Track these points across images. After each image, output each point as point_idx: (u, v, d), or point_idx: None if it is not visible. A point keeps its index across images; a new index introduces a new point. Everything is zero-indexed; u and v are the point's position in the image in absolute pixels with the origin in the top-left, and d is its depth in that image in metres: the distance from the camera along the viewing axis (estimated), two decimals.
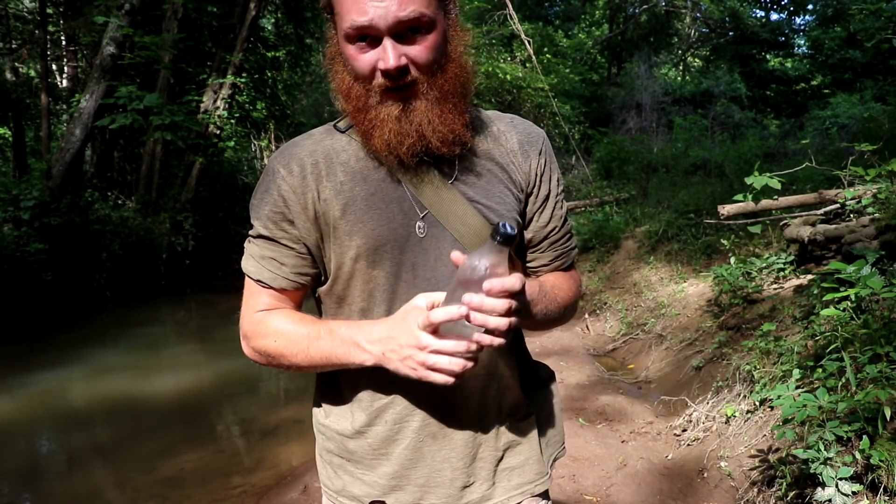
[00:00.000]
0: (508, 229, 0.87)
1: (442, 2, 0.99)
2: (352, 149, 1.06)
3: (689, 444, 3.31)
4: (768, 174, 3.76)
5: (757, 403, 3.17)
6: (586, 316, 6.38)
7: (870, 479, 2.20)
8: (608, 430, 3.61)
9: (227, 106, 11.04)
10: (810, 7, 19.88)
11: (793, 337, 3.43)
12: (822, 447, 2.28)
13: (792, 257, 4.49)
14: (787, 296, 4.15)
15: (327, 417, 1.16)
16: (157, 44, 8.91)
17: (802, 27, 21.29)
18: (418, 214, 1.04)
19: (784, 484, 2.50)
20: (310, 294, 1.16)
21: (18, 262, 7.05)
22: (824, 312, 2.86)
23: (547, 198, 1.15)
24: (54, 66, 13.33)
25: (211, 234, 10.71)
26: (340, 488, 1.15)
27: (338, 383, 1.14)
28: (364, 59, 0.96)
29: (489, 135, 1.12)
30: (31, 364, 5.78)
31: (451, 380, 0.93)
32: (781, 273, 4.53)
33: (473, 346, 0.91)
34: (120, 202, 9.85)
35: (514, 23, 11.03)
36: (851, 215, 4.13)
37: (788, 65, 20.65)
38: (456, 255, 0.93)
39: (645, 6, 20.37)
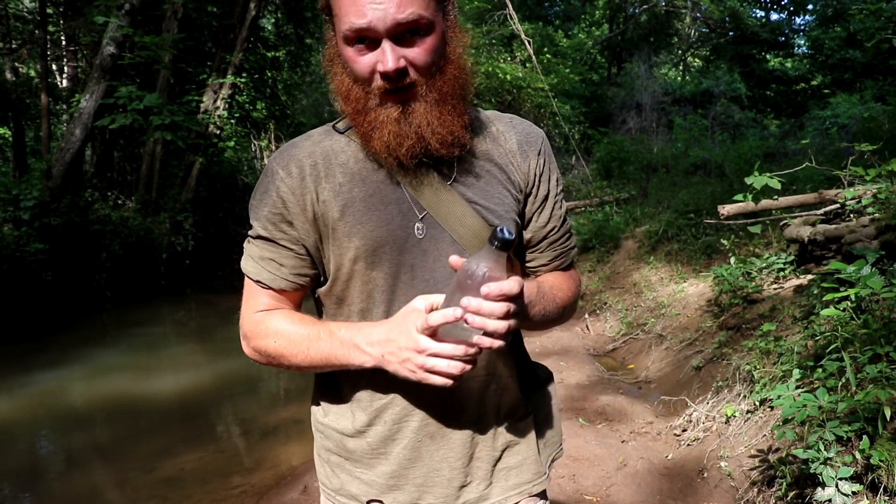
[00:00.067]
0: (506, 234, 0.87)
1: (441, 3, 0.98)
2: (351, 150, 1.06)
3: (689, 444, 3.31)
4: (768, 174, 3.75)
5: (757, 403, 3.17)
6: (586, 316, 6.38)
7: (870, 479, 2.20)
8: (608, 430, 3.61)
9: (227, 106, 11.04)
10: (810, 7, 19.89)
11: (793, 337, 3.43)
12: (822, 447, 2.28)
13: (792, 257, 4.49)
14: (787, 296, 4.15)
15: (326, 416, 1.17)
16: (157, 44, 8.91)
17: (802, 27, 21.30)
18: (417, 216, 1.04)
19: (784, 484, 2.50)
20: (309, 294, 1.16)
21: (18, 262, 7.05)
22: (824, 312, 2.86)
23: (546, 198, 1.15)
24: (54, 66, 13.33)
25: (211, 234, 10.71)
26: (338, 487, 1.16)
27: (337, 383, 1.14)
28: (363, 61, 0.96)
29: (488, 135, 1.12)
30: (31, 364, 5.78)
31: (449, 382, 0.94)
32: (781, 273, 4.53)
33: (471, 350, 0.91)
34: (120, 202, 9.85)
35: (514, 23, 11.03)
36: (851, 215, 4.13)
37: (788, 65, 20.65)
38: (454, 259, 0.94)
39: (645, 6, 20.36)
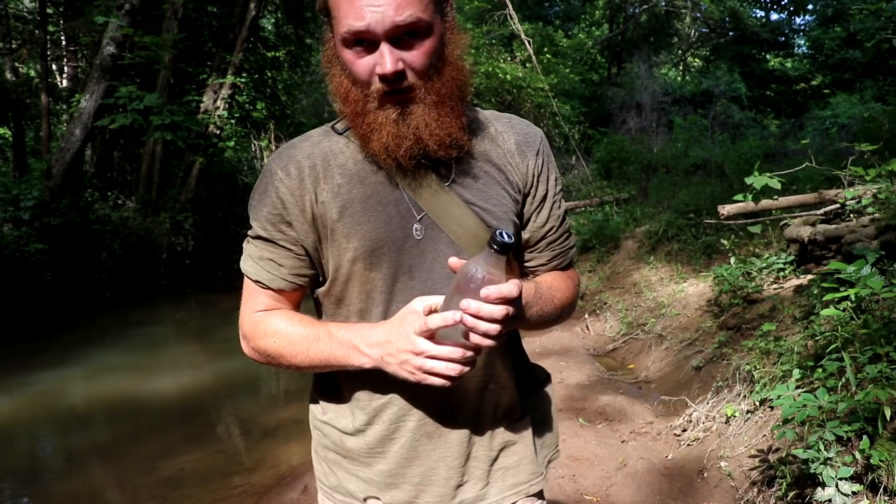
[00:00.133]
0: (505, 237, 0.87)
1: (439, 5, 0.99)
2: (349, 151, 1.07)
3: (689, 444, 3.31)
4: (768, 174, 3.76)
5: (757, 403, 3.17)
6: (586, 316, 6.38)
7: (870, 479, 2.20)
8: (608, 430, 3.61)
9: (227, 106, 11.04)
10: (810, 7, 19.89)
11: (793, 337, 3.43)
12: (822, 447, 2.28)
13: (792, 257, 4.49)
14: (787, 296, 4.15)
15: (325, 414, 1.17)
16: (157, 44, 8.91)
17: (802, 27, 21.30)
18: (415, 217, 1.05)
19: (784, 484, 2.50)
20: (309, 295, 1.17)
21: (18, 262, 7.05)
22: (824, 312, 2.86)
23: (544, 198, 1.15)
24: (54, 66, 13.33)
25: (211, 234, 10.72)
26: (335, 484, 1.16)
27: (336, 382, 1.14)
28: (361, 63, 0.96)
29: (486, 136, 1.12)
30: (31, 364, 5.78)
31: (447, 382, 0.94)
32: (781, 273, 4.52)
33: (469, 353, 0.92)
34: (120, 202, 9.85)
35: (514, 23, 11.03)
36: (851, 215, 4.13)
37: (788, 65, 20.65)
38: (454, 261, 0.94)
39: (645, 6, 20.36)
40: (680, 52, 23.87)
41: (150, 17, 10.18)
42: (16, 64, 12.96)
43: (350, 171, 1.05)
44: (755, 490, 2.70)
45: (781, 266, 4.52)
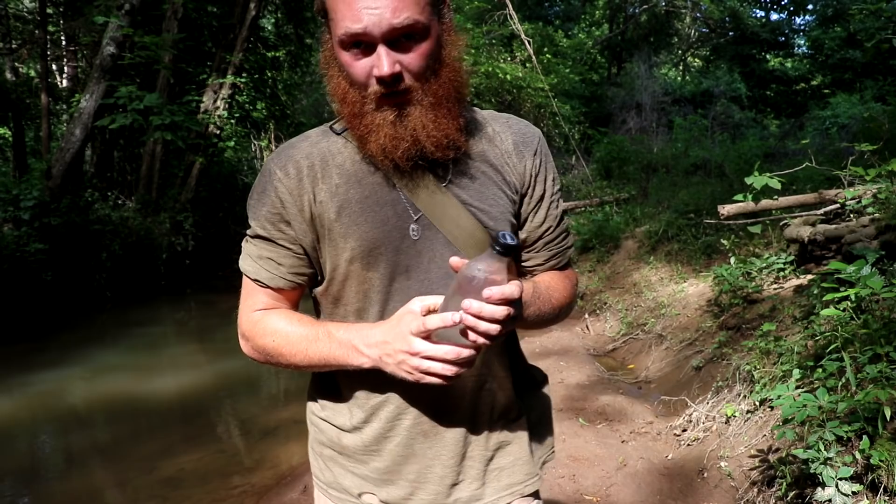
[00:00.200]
0: (508, 239, 0.88)
1: (436, 7, 0.99)
2: (347, 151, 1.07)
3: (689, 444, 3.31)
4: (768, 174, 3.76)
5: (757, 403, 3.17)
6: (586, 316, 6.38)
7: (870, 479, 2.20)
8: (608, 430, 3.61)
9: (227, 106, 11.04)
10: (810, 7, 19.89)
11: (793, 337, 3.43)
12: (822, 447, 2.28)
13: (792, 257, 4.49)
14: (787, 296, 4.15)
15: (323, 411, 1.18)
16: (157, 44, 8.91)
17: (802, 27, 21.30)
18: (412, 217, 1.05)
19: (784, 484, 2.50)
20: (308, 295, 1.18)
21: (18, 262, 7.05)
22: (824, 312, 2.86)
23: (542, 198, 1.15)
24: (54, 66, 13.33)
25: (211, 234, 10.72)
26: (331, 480, 1.17)
27: (335, 380, 1.15)
28: (359, 65, 0.97)
29: (484, 136, 1.12)
30: (31, 364, 5.78)
31: (444, 381, 0.95)
32: (781, 273, 4.52)
33: (465, 353, 0.93)
34: (120, 202, 9.85)
35: (514, 23, 11.03)
36: (851, 215, 4.13)
37: (788, 65, 20.65)
38: (455, 260, 0.95)
39: (645, 6, 20.36)
40: (680, 52, 23.87)
41: (150, 17, 10.18)
42: (16, 64, 12.96)
43: (348, 172, 1.06)
44: (755, 490, 2.70)
45: (781, 266, 4.52)
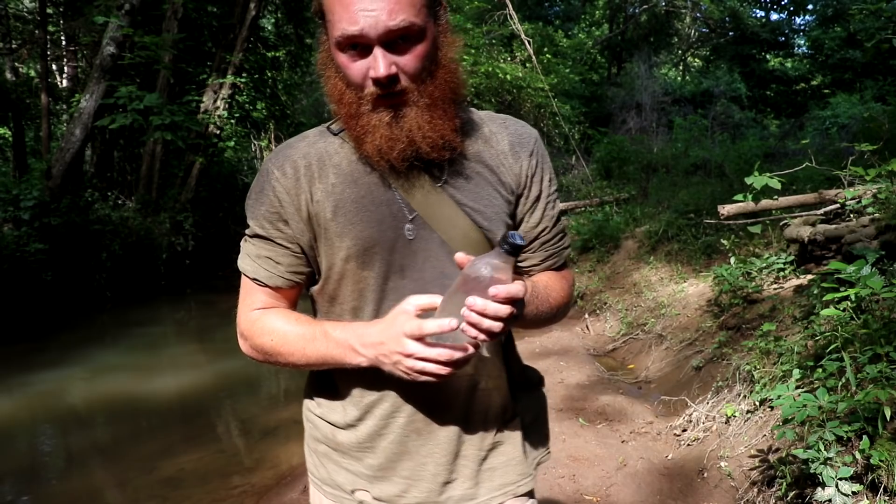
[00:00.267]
0: (518, 239, 0.89)
1: (432, 9, 1.00)
2: (344, 151, 1.08)
3: (689, 444, 3.31)
4: (768, 174, 3.76)
5: (757, 403, 3.17)
6: (586, 316, 6.38)
7: (870, 479, 2.20)
8: (608, 430, 3.61)
9: (227, 106, 11.04)
10: (810, 7, 19.89)
11: (793, 337, 3.43)
12: (822, 447, 2.28)
13: (792, 257, 4.49)
14: (787, 296, 4.15)
15: (319, 408, 1.19)
16: (157, 44, 8.91)
17: (802, 27, 21.30)
18: (407, 217, 1.06)
19: (784, 484, 2.50)
20: (306, 294, 1.19)
21: (18, 262, 7.05)
22: (824, 312, 2.86)
23: (538, 198, 1.16)
24: (54, 66, 13.33)
25: (211, 234, 10.72)
26: (325, 477, 1.19)
27: (331, 378, 1.16)
28: (355, 67, 0.98)
29: (480, 136, 1.13)
30: (31, 364, 5.78)
31: (439, 379, 0.97)
32: (781, 273, 4.52)
33: (457, 355, 0.94)
34: (120, 202, 9.85)
35: (514, 23, 11.03)
36: (851, 215, 4.13)
37: (788, 65, 20.65)
38: (460, 257, 0.95)
39: (645, 6, 20.36)
40: (680, 52, 23.87)
41: (150, 17, 10.18)
42: (16, 64, 12.96)
43: (344, 172, 1.07)
44: (755, 490, 2.70)
45: (781, 266, 4.52)
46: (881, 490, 2.16)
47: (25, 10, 12.43)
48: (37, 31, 10.40)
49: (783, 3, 20.58)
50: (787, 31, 20.97)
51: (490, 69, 12.42)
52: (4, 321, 6.57)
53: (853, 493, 2.18)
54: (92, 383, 5.41)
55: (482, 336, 0.92)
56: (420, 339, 0.94)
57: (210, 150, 11.03)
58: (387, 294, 1.08)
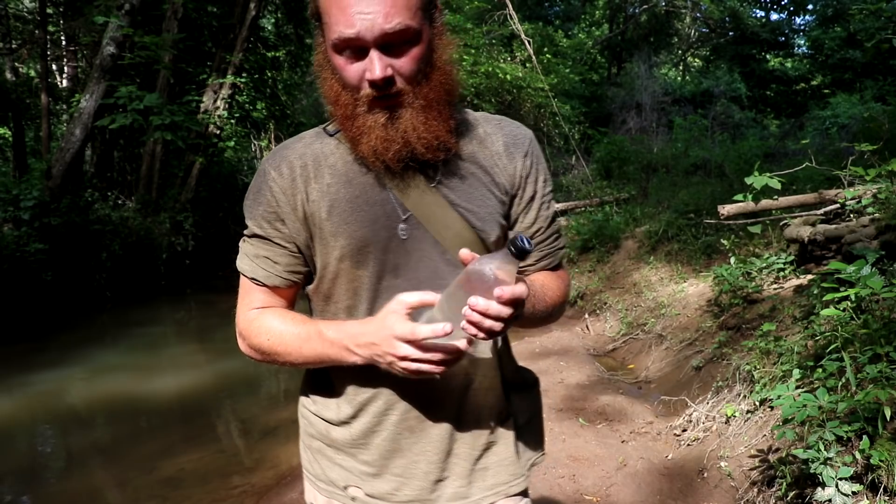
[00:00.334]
0: (526, 244, 0.89)
1: (427, 12, 1.01)
2: (339, 152, 1.09)
3: (689, 444, 3.31)
4: (768, 174, 3.76)
5: (757, 403, 3.17)
6: (586, 316, 6.38)
7: (870, 479, 2.20)
8: (608, 430, 3.61)
9: (227, 106, 11.04)
10: (810, 7, 19.88)
11: (793, 337, 3.43)
12: (822, 447, 2.28)
13: (792, 257, 4.49)
14: (787, 296, 4.15)
15: (314, 405, 1.21)
16: (157, 44, 8.91)
17: (802, 27, 21.30)
18: (401, 217, 1.07)
19: (784, 484, 2.50)
20: (303, 294, 1.20)
21: (18, 262, 7.05)
22: (824, 312, 2.86)
23: (532, 199, 1.17)
24: (54, 66, 13.34)
25: (211, 234, 10.72)
26: (319, 472, 1.20)
27: (327, 375, 1.17)
28: (352, 69, 0.99)
29: (475, 137, 1.14)
30: (31, 364, 5.78)
31: (435, 375, 0.99)
32: (781, 273, 4.52)
33: (451, 354, 0.96)
34: (120, 202, 9.85)
35: (514, 23, 11.03)
36: (851, 215, 4.13)
37: (788, 65, 20.65)
38: (465, 253, 0.96)
39: (645, 6, 20.36)
40: (680, 52, 23.87)
41: (150, 17, 10.18)
42: (16, 64, 12.97)
43: (339, 172, 1.08)
44: (755, 490, 2.70)
45: (781, 266, 4.52)
46: (881, 490, 2.16)
47: (25, 10, 12.43)
48: (37, 31, 10.40)
49: (783, 3, 20.58)
50: (787, 31, 20.96)
51: (490, 69, 12.41)
52: (4, 321, 6.57)
53: (853, 493, 2.18)
54: (92, 383, 5.41)
55: (482, 335, 0.92)
56: (412, 342, 0.95)
57: (210, 150, 11.04)
58: (381, 293, 1.09)
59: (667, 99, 16.24)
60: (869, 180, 4.11)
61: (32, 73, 13.51)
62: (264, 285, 1.13)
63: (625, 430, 3.60)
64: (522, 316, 1.01)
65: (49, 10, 10.63)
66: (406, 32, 0.96)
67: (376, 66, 0.96)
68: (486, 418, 1.17)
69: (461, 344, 0.96)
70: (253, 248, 1.13)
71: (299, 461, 1.18)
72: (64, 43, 12.04)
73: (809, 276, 4.09)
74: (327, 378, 1.17)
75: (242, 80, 11.12)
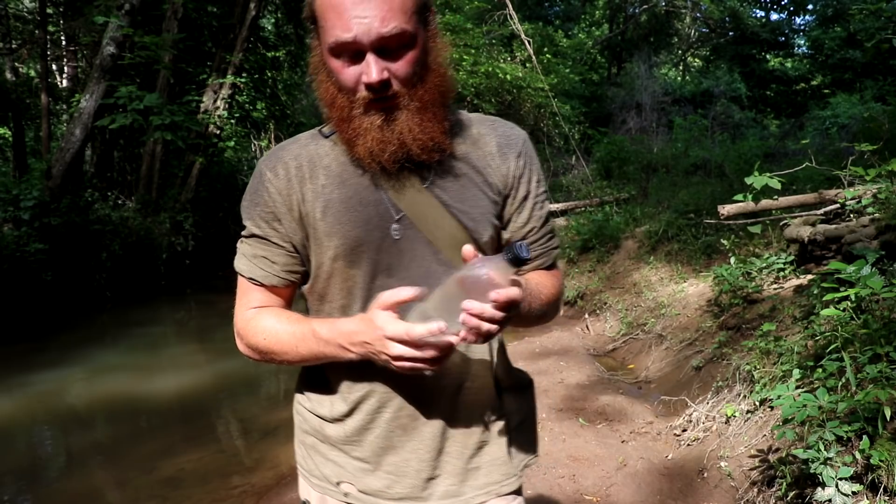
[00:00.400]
0: (523, 252, 0.91)
1: (422, 15, 1.02)
2: (334, 154, 1.11)
3: (689, 444, 3.31)
4: (768, 174, 3.76)
5: (757, 403, 3.17)
6: (586, 316, 6.38)
7: (870, 479, 2.20)
8: (608, 430, 3.61)
9: (227, 106, 11.04)
10: (810, 7, 19.89)
11: (793, 337, 3.43)
12: (822, 447, 2.28)
13: (792, 257, 4.49)
14: (787, 296, 4.15)
15: (308, 402, 1.22)
16: (157, 44, 8.91)
17: (802, 27, 21.30)
18: (393, 217, 1.08)
19: (784, 484, 2.50)
20: (301, 294, 1.21)
21: (18, 262, 7.05)
22: (824, 312, 2.86)
23: (525, 199, 1.18)
24: (54, 66, 13.33)
25: (211, 234, 10.72)
26: (312, 468, 1.21)
27: (322, 372, 1.18)
28: (348, 72, 1.00)
29: (468, 138, 1.15)
30: (31, 364, 5.78)
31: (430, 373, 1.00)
32: (781, 273, 4.52)
33: (441, 355, 0.97)
34: (120, 202, 9.85)
35: (514, 23, 11.03)
36: (851, 215, 4.13)
37: (788, 65, 20.65)
38: (468, 250, 0.97)
39: (645, 6, 20.36)
40: (680, 52, 23.87)
41: (150, 17, 10.18)
42: (16, 64, 12.97)
43: (334, 173, 1.10)
44: (755, 490, 2.70)
45: (781, 266, 4.52)
46: (881, 490, 2.16)
47: (25, 10, 12.43)
48: (37, 31, 10.40)
49: (783, 3, 20.59)
50: (787, 31, 20.97)
51: (490, 69, 12.41)
52: (4, 321, 6.57)
53: (853, 493, 2.18)
54: (92, 383, 5.41)
55: (478, 339, 0.94)
56: (407, 342, 0.96)
57: (210, 150, 11.03)
58: (374, 292, 1.09)
59: (667, 99, 16.24)
60: (869, 180, 4.11)
61: (32, 73, 13.51)
62: (262, 285, 1.14)
63: (625, 430, 3.60)
64: (519, 316, 1.02)
65: (49, 10, 10.63)
66: (402, 36, 0.97)
67: (373, 69, 0.97)
68: (478, 418, 1.18)
69: (454, 339, 0.97)
70: (251, 248, 1.14)
71: None
72: (64, 43, 12.04)
73: (809, 276, 4.09)
74: (322, 375, 1.18)
75: (242, 80, 11.13)
